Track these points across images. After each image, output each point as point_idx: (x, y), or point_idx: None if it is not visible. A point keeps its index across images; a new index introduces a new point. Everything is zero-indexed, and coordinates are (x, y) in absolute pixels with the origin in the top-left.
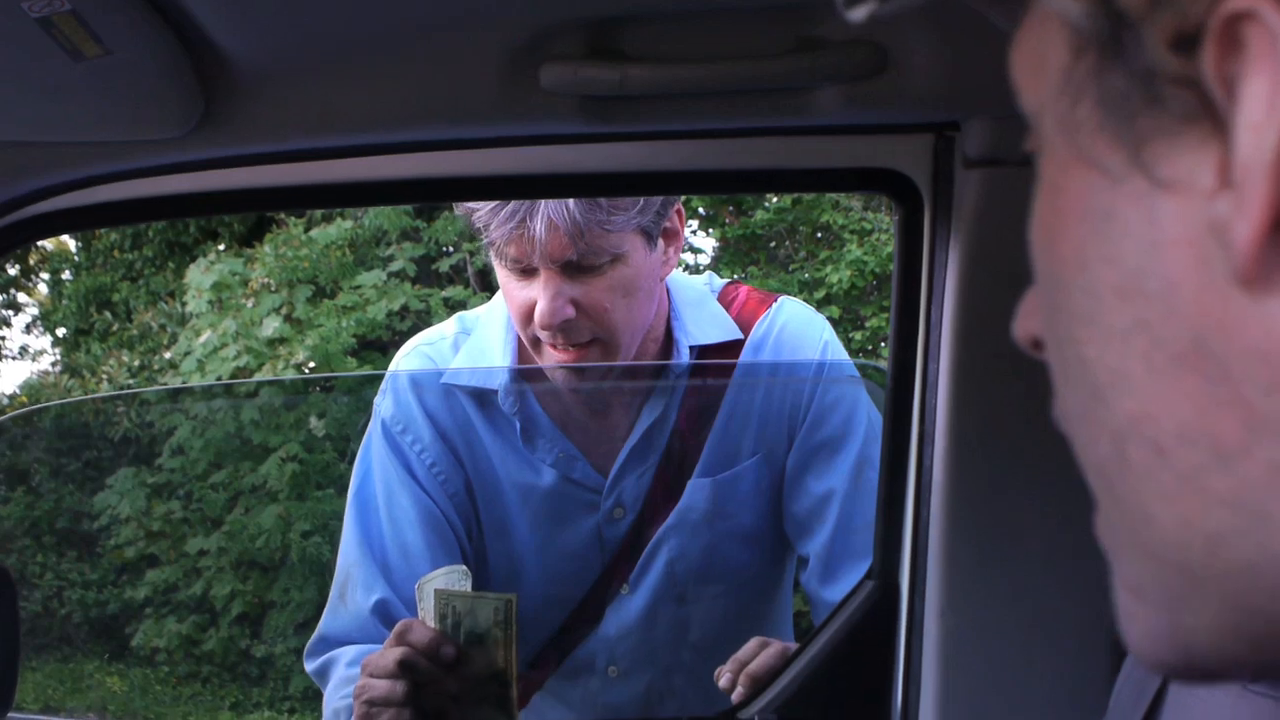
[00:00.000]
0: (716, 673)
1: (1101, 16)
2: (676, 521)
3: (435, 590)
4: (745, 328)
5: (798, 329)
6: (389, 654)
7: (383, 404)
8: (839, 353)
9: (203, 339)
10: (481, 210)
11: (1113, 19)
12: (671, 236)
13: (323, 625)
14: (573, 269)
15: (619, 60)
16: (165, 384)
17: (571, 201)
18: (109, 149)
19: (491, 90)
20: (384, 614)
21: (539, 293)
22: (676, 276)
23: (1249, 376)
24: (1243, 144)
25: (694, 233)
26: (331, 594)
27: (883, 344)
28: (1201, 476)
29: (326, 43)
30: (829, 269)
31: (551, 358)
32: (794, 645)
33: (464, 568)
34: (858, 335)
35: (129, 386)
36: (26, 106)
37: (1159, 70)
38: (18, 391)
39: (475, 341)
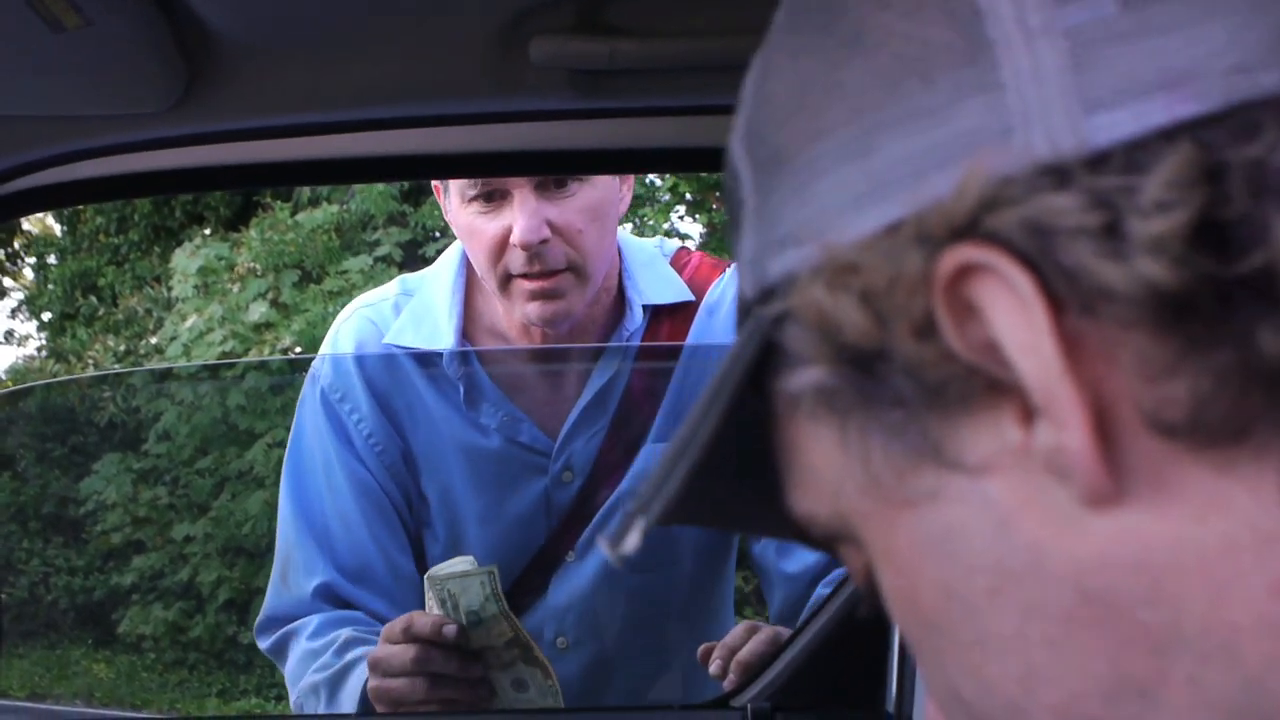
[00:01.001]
0: (701, 654)
1: (843, 362)
2: (629, 487)
3: (428, 577)
4: (698, 292)
5: None
6: (401, 653)
7: (321, 370)
8: None
9: (188, 324)
10: None
11: (854, 358)
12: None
13: (268, 606)
14: (544, 187)
15: (609, 34)
16: (151, 370)
17: None
18: (91, 123)
19: (480, 64)
20: (327, 596)
21: (515, 214)
22: (627, 237)
23: (1133, 599)
24: (1028, 370)
25: (681, 218)
26: (273, 573)
27: None
28: None
29: (312, 15)
30: None
31: (522, 293)
32: (785, 631)
33: (470, 556)
34: None
35: (115, 371)
36: (5, 79)
37: (920, 367)
38: (3, 376)
39: (419, 303)
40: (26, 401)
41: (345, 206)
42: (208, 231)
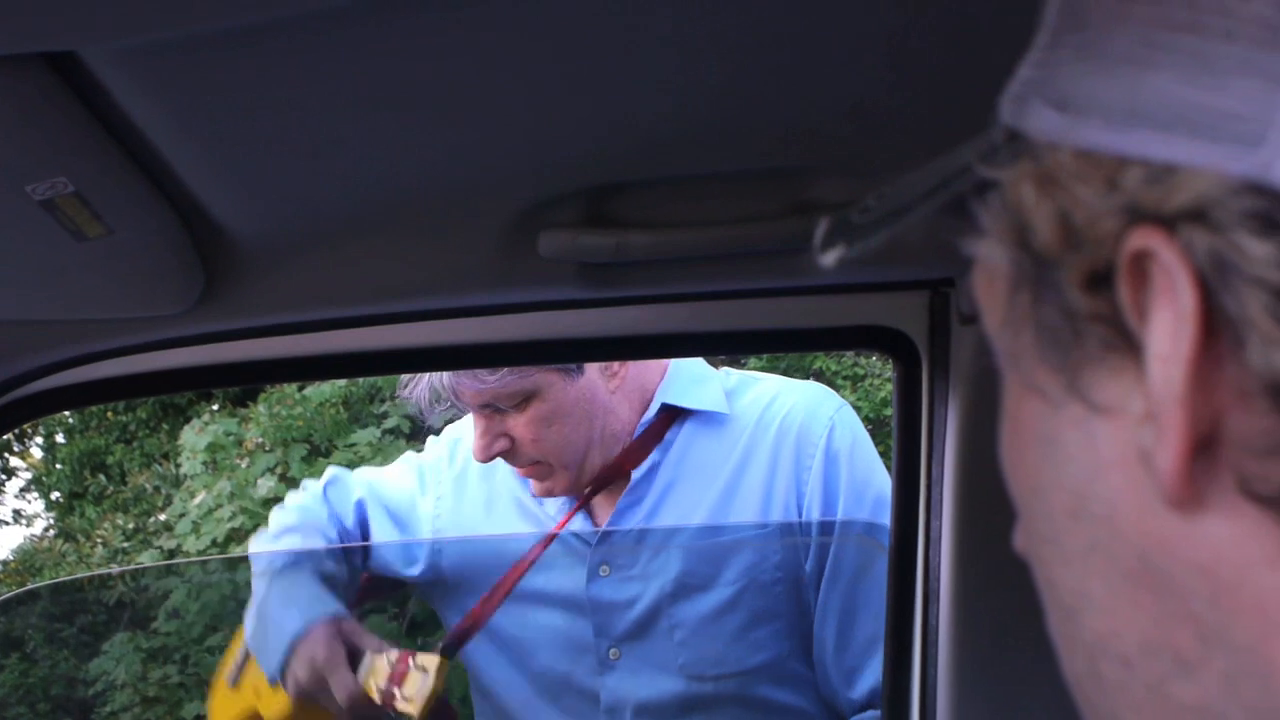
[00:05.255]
0: None
1: (1025, 259)
2: (669, 588)
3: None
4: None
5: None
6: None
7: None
8: (851, 429)
9: (197, 500)
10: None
11: (1035, 260)
12: None
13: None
14: (491, 409)
15: (616, 227)
16: (160, 547)
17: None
18: (111, 325)
19: (491, 259)
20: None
21: (474, 426)
22: (687, 361)
23: (1193, 591)
24: (1154, 376)
25: None
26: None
27: None
28: (1167, 685)
29: (326, 217)
30: None
31: None
32: None
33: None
34: None
35: (124, 550)
36: (29, 286)
37: (1075, 309)
38: (10, 557)
39: None
40: (36, 598)
41: (352, 380)
42: (215, 408)
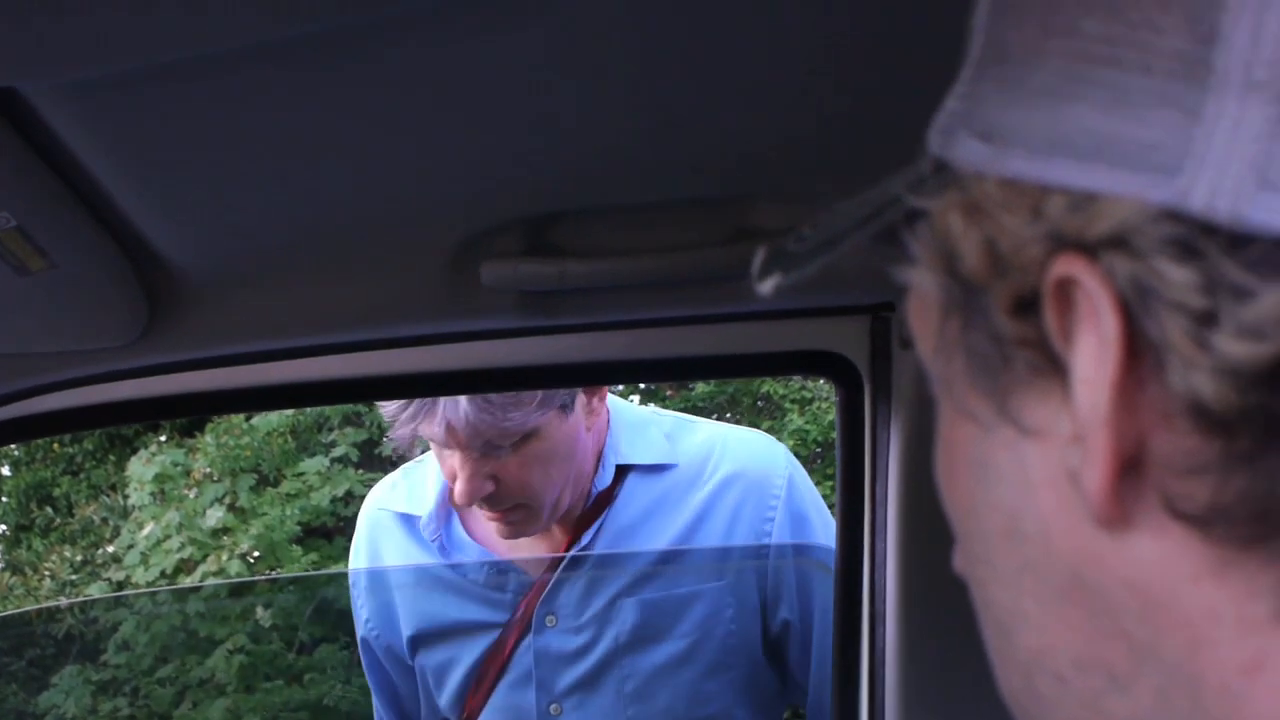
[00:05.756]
0: None
1: (954, 286)
2: (624, 639)
3: None
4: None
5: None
6: None
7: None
8: (803, 476)
9: (145, 531)
10: (390, 407)
11: (964, 287)
12: (592, 389)
13: None
14: (487, 448)
15: (558, 255)
16: (109, 579)
17: (464, 402)
18: (55, 359)
19: (434, 289)
20: None
21: (457, 470)
22: (622, 404)
23: (1123, 607)
24: (1080, 399)
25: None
26: None
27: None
28: (1102, 700)
29: (269, 248)
30: None
31: (481, 513)
32: None
33: None
34: None
35: (72, 582)
36: None
37: (1003, 334)
38: None
39: (417, 472)
40: None
41: (300, 409)
42: (163, 438)
